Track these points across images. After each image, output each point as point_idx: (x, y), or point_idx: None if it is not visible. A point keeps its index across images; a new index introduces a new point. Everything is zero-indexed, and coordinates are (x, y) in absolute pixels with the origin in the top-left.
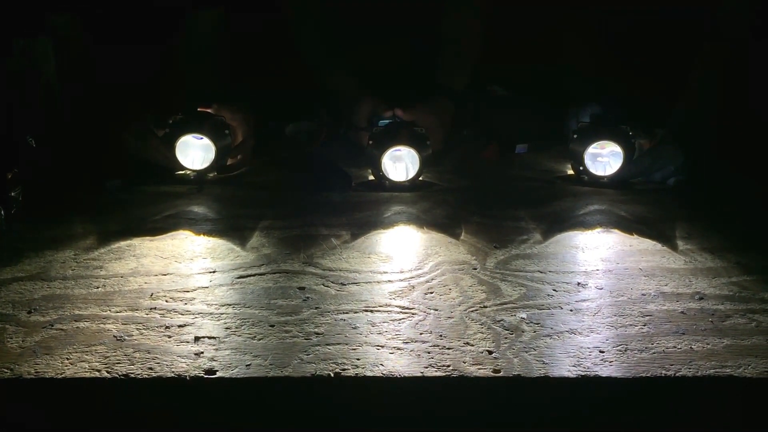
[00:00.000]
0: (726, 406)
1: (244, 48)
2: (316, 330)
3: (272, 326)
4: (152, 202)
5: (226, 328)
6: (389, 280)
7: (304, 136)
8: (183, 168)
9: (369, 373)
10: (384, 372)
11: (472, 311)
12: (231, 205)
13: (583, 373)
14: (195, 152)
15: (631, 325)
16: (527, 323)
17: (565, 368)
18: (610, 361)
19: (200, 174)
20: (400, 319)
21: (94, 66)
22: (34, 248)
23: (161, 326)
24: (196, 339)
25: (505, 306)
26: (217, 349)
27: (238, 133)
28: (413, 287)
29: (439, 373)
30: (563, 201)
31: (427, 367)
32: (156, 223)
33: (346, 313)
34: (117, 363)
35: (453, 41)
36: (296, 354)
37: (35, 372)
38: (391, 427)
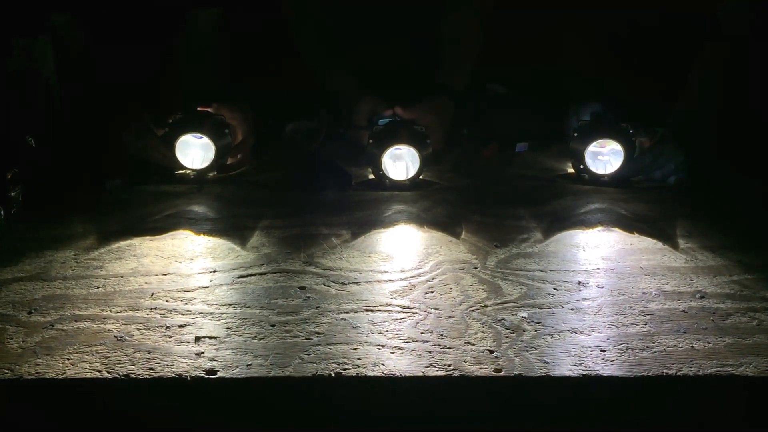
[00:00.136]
0: (727, 405)
1: (244, 48)
2: (316, 330)
3: (273, 326)
4: (152, 201)
5: (227, 328)
6: (390, 280)
7: (304, 136)
8: (183, 167)
9: (370, 373)
10: (385, 372)
11: (473, 310)
12: (231, 204)
13: (584, 373)
14: (195, 151)
15: (632, 324)
16: (528, 322)
17: (567, 367)
18: (612, 360)
19: (200, 173)
20: (401, 319)
21: (94, 66)
22: (34, 248)
23: (162, 326)
24: (197, 339)
25: (506, 305)
26: (217, 349)
27: (238, 133)
28: (414, 286)
29: (440, 373)
30: (564, 199)
31: (428, 367)
32: (156, 222)
33: (347, 312)
34: (118, 363)
35: (453, 41)
36: (297, 354)
37: (36, 372)
38: (392, 427)
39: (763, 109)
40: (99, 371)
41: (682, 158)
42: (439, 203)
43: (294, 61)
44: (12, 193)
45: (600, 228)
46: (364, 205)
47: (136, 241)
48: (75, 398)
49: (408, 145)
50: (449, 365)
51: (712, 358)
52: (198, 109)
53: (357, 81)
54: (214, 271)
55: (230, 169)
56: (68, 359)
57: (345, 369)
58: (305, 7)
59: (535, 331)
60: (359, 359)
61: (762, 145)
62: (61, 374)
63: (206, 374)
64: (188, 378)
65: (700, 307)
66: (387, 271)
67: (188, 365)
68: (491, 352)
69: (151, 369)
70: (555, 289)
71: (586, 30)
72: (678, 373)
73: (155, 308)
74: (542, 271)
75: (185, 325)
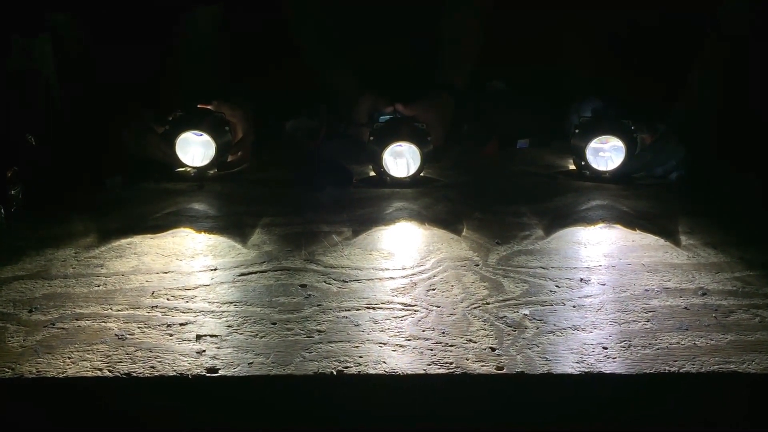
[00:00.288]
0: (730, 403)
1: (244, 48)
2: (318, 327)
3: (274, 324)
4: (153, 199)
5: (228, 326)
6: (391, 277)
7: (305, 133)
8: (183, 165)
9: (371, 371)
10: (386, 370)
11: (474, 308)
12: (232, 202)
13: (586, 370)
14: (195, 149)
15: (634, 321)
16: (530, 320)
17: (569, 365)
18: (614, 358)
19: (200, 171)
20: (403, 317)
21: (94, 66)
22: (34, 246)
23: (163, 324)
24: (198, 337)
25: (507, 302)
26: (219, 348)
27: (238, 130)
28: (415, 284)
29: (442, 371)
30: (565, 196)
31: (429, 365)
32: (157, 220)
33: (348, 310)
34: (119, 362)
35: (453, 41)
36: (298, 352)
37: (37, 371)
38: (394, 425)
39: (763, 109)
40: (100, 370)
41: (683, 155)
42: (440, 200)
43: (294, 61)
44: (12, 192)
45: (601, 225)
46: (365, 203)
47: (137, 239)
48: (76, 397)
49: (409, 142)
50: (451, 363)
51: (714, 356)
52: (198, 106)
53: (357, 78)
54: (215, 269)
55: (231, 167)
56: (69, 358)
57: (347, 367)
58: (305, 7)
59: (537, 328)
60: (361, 357)
61: (762, 145)
62: (62, 373)
63: (207, 373)
64: (189, 376)
65: (703, 304)
66: (388, 269)
67: (189, 363)
68: (493, 349)
69: (152, 367)
70: (557, 286)
71: (586, 30)
72: (680, 371)
73: (156, 306)
74: (544, 268)
75: (186, 324)
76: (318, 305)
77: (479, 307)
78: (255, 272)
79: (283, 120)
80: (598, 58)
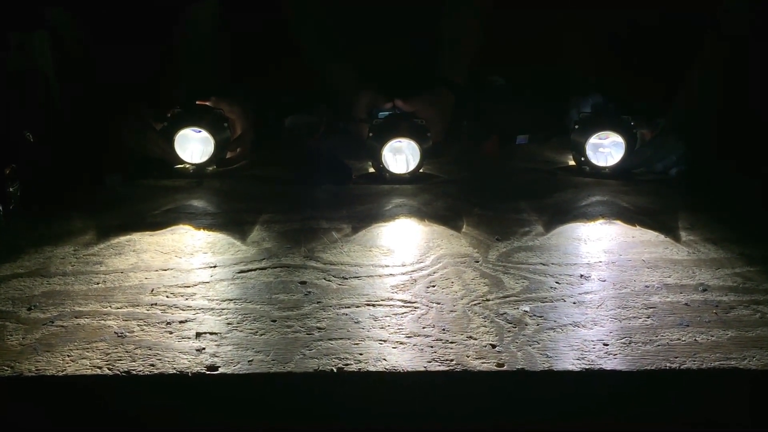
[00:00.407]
0: (731, 399)
1: (244, 48)
2: (318, 325)
3: (274, 321)
4: (151, 196)
5: (228, 324)
6: (391, 274)
7: (304, 129)
8: (182, 162)
9: (372, 368)
10: (387, 367)
11: (474, 304)
12: (231, 198)
13: (587, 367)
14: (194, 146)
15: (634, 317)
16: (530, 316)
17: (569, 362)
18: (615, 354)
19: (199, 168)
20: (403, 313)
21: (93, 62)
22: (33, 244)
23: (162, 322)
24: (198, 335)
25: (507, 299)
26: (218, 345)
27: (237, 126)
28: (415, 281)
29: (442, 368)
30: (565, 192)
31: (430, 362)
32: (155, 217)
33: (348, 307)
34: (118, 360)
35: (453, 41)
36: (298, 349)
37: (36, 369)
38: (394, 423)
39: (763, 109)
40: (99, 368)
41: (683, 150)
42: (439, 196)
43: (294, 61)
44: (10, 189)
45: (601, 221)
46: (365, 199)
47: (136, 237)
48: (75, 395)
49: (408, 138)
50: (451, 360)
51: (715, 352)
52: (197, 103)
53: (356, 74)
54: (215, 267)
55: (229, 164)
56: (68, 356)
57: (347, 364)
58: (305, 7)
59: (538, 325)
60: (361, 354)
61: (762, 145)
62: (62, 371)
63: (207, 370)
64: (189, 374)
65: (703, 300)
66: (388, 266)
67: (189, 361)
68: (493, 346)
69: (152, 365)
70: (557, 282)
71: (587, 30)
72: (681, 367)
73: (155, 304)
74: (544, 265)
75: (186, 321)
76: (318, 302)
77: (479, 303)
78: (254, 269)
79: (283, 118)
80: (598, 58)
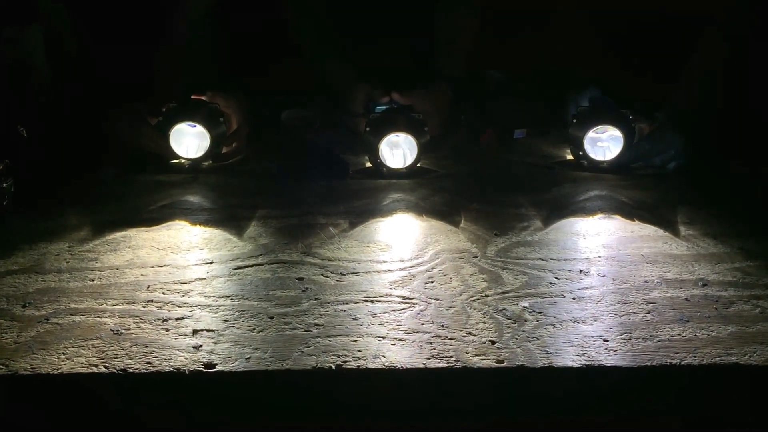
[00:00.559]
0: (732, 395)
1: (244, 48)
2: (316, 321)
3: (271, 318)
4: (147, 191)
5: (225, 321)
6: (389, 270)
7: (301, 123)
8: (177, 157)
9: (371, 365)
10: (386, 364)
11: (473, 300)
12: (227, 194)
13: (587, 363)
14: (189, 140)
15: (634, 313)
16: (530, 312)
17: (569, 358)
18: (615, 350)
19: (195, 163)
20: (401, 310)
21: (87, 56)
22: (27, 240)
23: (159, 319)
24: (195, 332)
25: (506, 295)
26: (216, 342)
27: (233, 121)
28: (413, 276)
29: (441, 365)
30: (563, 187)
31: (429, 359)
32: (151, 213)
33: (346, 303)
34: (114, 358)
35: (449, 35)
36: (296, 346)
37: (31, 368)
38: (394, 420)
39: (763, 108)
40: (95, 366)
41: (681, 144)
42: (437, 191)
43: (294, 62)
44: (4, 185)
45: (600, 215)
46: (362, 194)
47: (131, 233)
48: (71, 394)
49: (405, 132)
50: (451, 357)
51: (716, 347)
52: (192, 97)
53: (354, 69)
54: (211, 263)
55: (225, 158)
56: (64, 354)
57: (345, 361)
58: (304, 6)
59: (537, 321)
60: (360, 351)
61: (762, 145)
62: (57, 369)
63: (205, 368)
64: (186, 372)
65: (703, 295)
66: (386, 261)
67: (186, 359)
68: (493, 342)
69: (148, 363)
70: (556, 278)
71: (586, 29)
72: (682, 363)
73: (152, 301)
74: (543, 260)
75: (182, 318)
76: (315, 299)
77: (478, 299)
78: (251, 265)
79: (279, 112)
80: (597, 58)
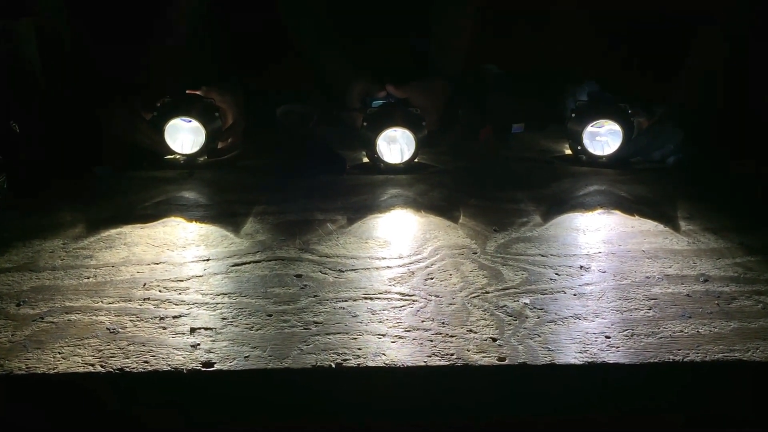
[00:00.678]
0: (735, 391)
1: (244, 48)
2: (315, 319)
3: (270, 316)
4: (142, 188)
5: (223, 319)
6: (388, 266)
7: (296, 118)
8: (172, 152)
9: (371, 363)
10: (386, 362)
11: (474, 297)
12: (223, 190)
13: (589, 360)
14: (184, 136)
15: (636, 309)
16: (531, 309)
17: (571, 355)
18: (617, 347)
19: (190, 158)
20: (401, 307)
21: (82, 51)
22: (21, 237)
23: (155, 318)
24: (192, 330)
25: (507, 291)
26: (213, 341)
27: (228, 116)
28: (413, 273)
29: (442, 362)
30: (562, 182)
31: (430, 356)
32: (146, 209)
33: (345, 301)
34: (111, 357)
35: (446, 31)
36: (295, 344)
37: (26, 367)
38: (394, 419)
39: (763, 108)
40: (92, 365)
41: (680, 138)
42: (435, 187)
43: (294, 62)
44: None
45: (600, 211)
46: (359, 190)
47: (127, 229)
48: (67, 394)
49: (403, 127)
50: (452, 354)
51: (718, 343)
52: (187, 92)
53: (350, 64)
54: (208, 260)
55: (221, 154)
56: (60, 353)
57: (345, 359)
58: (303, 5)
59: (538, 317)
60: (359, 349)
61: (762, 145)
62: (53, 369)
63: (203, 367)
64: (184, 371)
65: (705, 290)
66: (385, 258)
67: (184, 358)
68: (494, 340)
69: (145, 362)
70: (557, 274)
71: (585, 29)
72: (684, 359)
73: (148, 299)
74: (543, 256)
75: (180, 316)
76: (314, 296)
77: (479, 296)
78: (249, 262)
79: (275, 107)
80: (596, 58)
